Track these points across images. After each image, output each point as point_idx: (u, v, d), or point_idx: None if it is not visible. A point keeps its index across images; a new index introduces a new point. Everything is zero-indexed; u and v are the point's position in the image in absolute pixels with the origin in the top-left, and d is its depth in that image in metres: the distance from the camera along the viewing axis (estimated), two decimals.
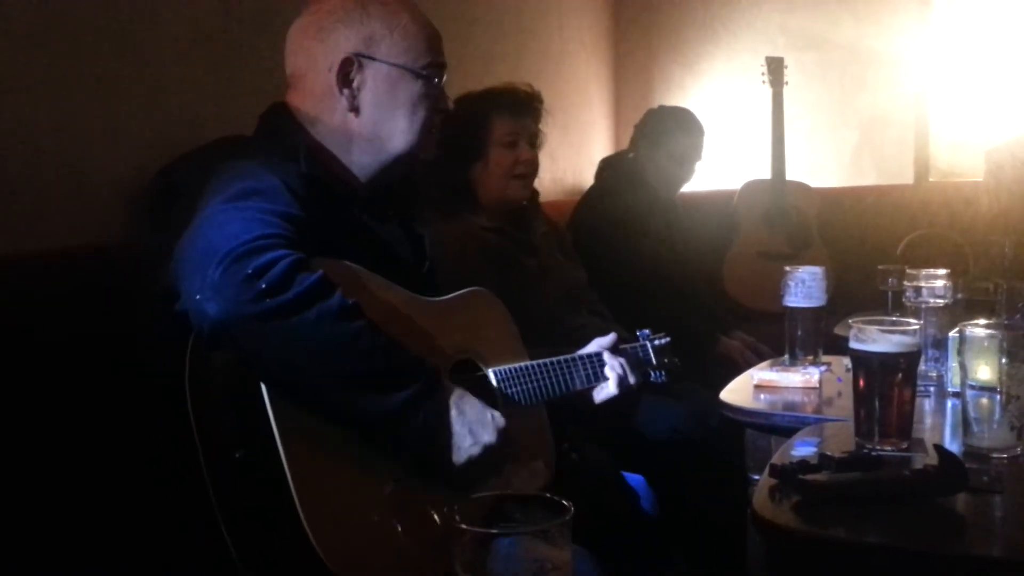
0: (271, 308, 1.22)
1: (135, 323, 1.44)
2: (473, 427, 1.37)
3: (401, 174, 1.63)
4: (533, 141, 2.35)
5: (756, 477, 1.71)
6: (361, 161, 1.56)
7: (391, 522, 1.33)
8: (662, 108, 3.44)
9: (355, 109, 1.53)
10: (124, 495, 1.42)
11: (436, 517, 1.36)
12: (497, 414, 1.42)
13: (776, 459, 1.39)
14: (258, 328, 1.22)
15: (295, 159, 1.47)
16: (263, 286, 1.22)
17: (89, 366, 1.46)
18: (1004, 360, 1.39)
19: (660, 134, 3.25)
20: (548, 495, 0.83)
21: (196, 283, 1.23)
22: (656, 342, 1.97)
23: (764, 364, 2.20)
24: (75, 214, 1.65)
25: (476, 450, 1.37)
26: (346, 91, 1.52)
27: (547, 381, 1.66)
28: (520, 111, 2.32)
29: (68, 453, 1.42)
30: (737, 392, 1.98)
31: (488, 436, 1.38)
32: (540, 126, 2.38)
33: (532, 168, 2.35)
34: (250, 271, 1.22)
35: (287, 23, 1.60)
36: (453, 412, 1.36)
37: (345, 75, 1.52)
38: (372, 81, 1.53)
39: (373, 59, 1.52)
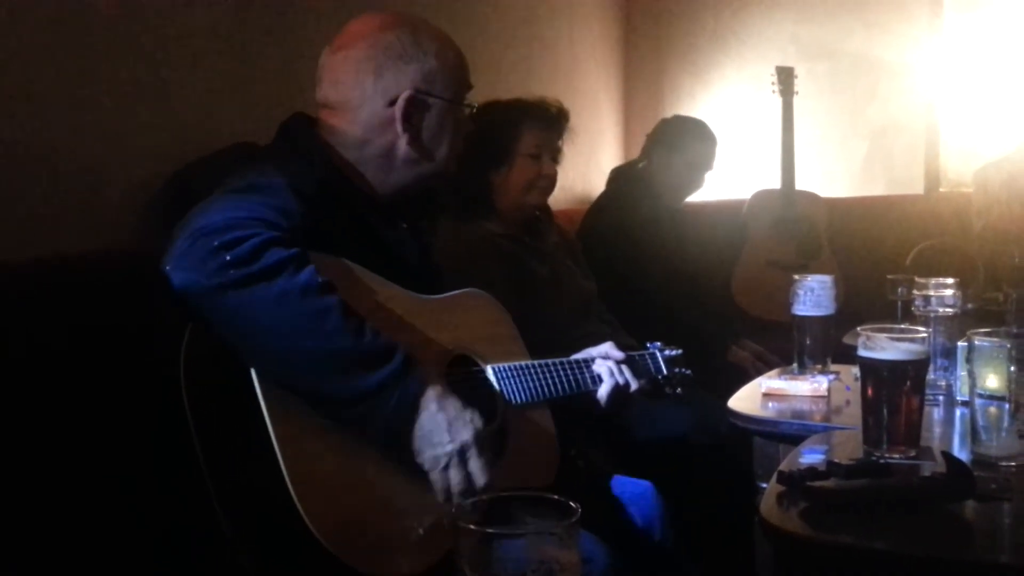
0: (232, 279, 1.21)
1: (146, 325, 1.45)
2: (453, 424, 1.35)
3: (425, 189, 1.66)
4: (556, 156, 2.38)
5: (764, 485, 1.71)
6: (394, 181, 1.58)
7: (390, 503, 1.34)
8: (677, 117, 3.46)
9: (413, 141, 1.56)
10: (127, 481, 1.42)
11: (435, 503, 1.36)
12: (476, 415, 1.39)
13: (784, 466, 1.40)
14: (217, 298, 1.22)
15: (310, 166, 1.49)
16: (228, 258, 1.21)
17: (103, 370, 1.46)
18: (1012, 368, 1.40)
19: (677, 142, 3.27)
20: (556, 496, 0.83)
21: (166, 255, 1.24)
22: (666, 352, 1.96)
23: (773, 372, 2.20)
24: (89, 219, 1.66)
25: (452, 447, 1.35)
26: (409, 126, 1.55)
27: (547, 380, 1.66)
28: (550, 126, 2.34)
29: (70, 450, 1.42)
30: (745, 400, 1.98)
31: (466, 435, 1.36)
32: (561, 143, 2.40)
33: (551, 183, 2.38)
34: (217, 243, 1.22)
35: (301, 29, 1.61)
36: (433, 407, 1.34)
37: (409, 112, 1.54)
38: (429, 116, 1.57)
39: (430, 95, 1.56)
